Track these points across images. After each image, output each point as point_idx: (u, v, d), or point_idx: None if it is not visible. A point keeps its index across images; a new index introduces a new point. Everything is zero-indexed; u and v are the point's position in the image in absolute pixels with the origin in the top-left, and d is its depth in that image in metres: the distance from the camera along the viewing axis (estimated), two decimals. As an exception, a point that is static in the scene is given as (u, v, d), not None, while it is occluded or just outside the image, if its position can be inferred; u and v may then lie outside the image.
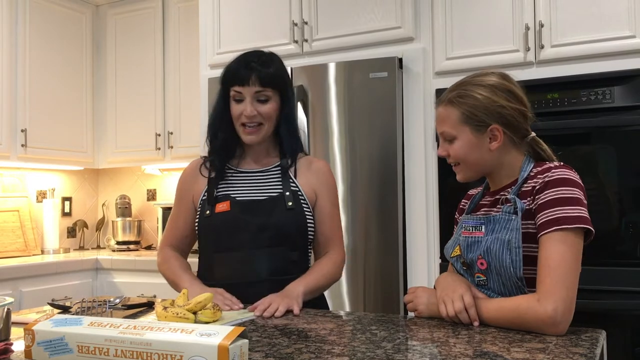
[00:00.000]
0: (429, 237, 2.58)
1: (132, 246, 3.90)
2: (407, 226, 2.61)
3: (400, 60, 2.65)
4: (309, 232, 1.70)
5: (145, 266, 3.30)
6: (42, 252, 3.68)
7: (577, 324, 1.22)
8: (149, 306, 1.59)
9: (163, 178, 4.12)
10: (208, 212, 1.67)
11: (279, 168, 1.73)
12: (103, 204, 4.24)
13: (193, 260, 1.79)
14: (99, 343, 0.96)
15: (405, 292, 2.52)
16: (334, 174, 2.29)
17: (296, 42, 2.89)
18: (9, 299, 1.19)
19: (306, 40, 2.86)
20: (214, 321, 1.32)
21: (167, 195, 4.06)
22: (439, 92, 1.87)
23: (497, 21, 2.51)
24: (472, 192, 1.56)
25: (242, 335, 0.92)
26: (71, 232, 4.10)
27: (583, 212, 1.24)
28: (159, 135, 3.70)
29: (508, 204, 1.33)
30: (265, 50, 1.73)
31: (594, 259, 2.17)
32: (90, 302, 1.62)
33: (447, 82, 1.46)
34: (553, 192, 1.26)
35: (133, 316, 1.49)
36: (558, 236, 1.22)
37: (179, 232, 1.78)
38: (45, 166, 3.76)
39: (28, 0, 3.50)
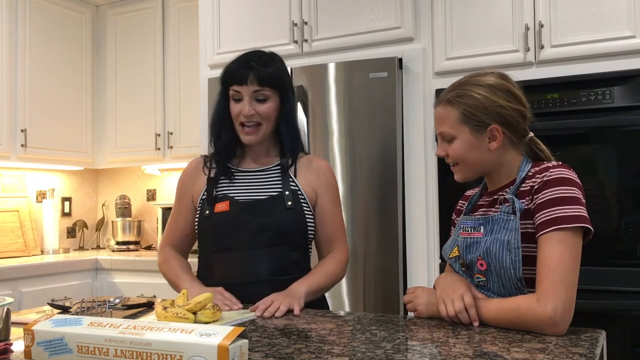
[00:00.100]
0: (428, 237, 2.58)
1: (131, 246, 3.90)
2: (407, 226, 2.61)
3: (400, 60, 2.65)
4: (309, 232, 1.70)
5: (145, 266, 3.30)
6: (42, 252, 3.68)
7: (576, 324, 1.22)
8: (148, 306, 1.59)
9: (163, 178, 4.12)
10: (207, 212, 1.67)
11: (278, 167, 1.73)
12: (103, 204, 4.24)
13: (193, 260, 1.79)
14: (99, 343, 0.96)
15: (405, 292, 2.52)
16: (334, 174, 2.29)
17: (296, 42, 2.89)
18: (9, 299, 1.19)
19: (306, 41, 2.86)
20: (213, 321, 1.32)
21: (167, 196, 4.06)
22: (439, 92, 1.87)
23: (497, 21, 2.51)
24: (469, 192, 1.56)
25: (242, 335, 0.92)
26: (71, 233, 4.10)
27: (582, 211, 1.24)
28: (159, 135, 3.70)
29: (506, 204, 1.33)
30: (267, 50, 1.73)
31: (593, 259, 2.17)
32: (90, 302, 1.62)
33: (447, 82, 1.46)
34: (551, 191, 1.26)
35: (133, 316, 1.49)
36: (557, 236, 1.22)
37: (179, 231, 1.78)
38: (45, 166, 3.76)
39: (28, 1, 3.50)
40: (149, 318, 1.46)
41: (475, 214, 1.44)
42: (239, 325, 1.27)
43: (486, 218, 1.36)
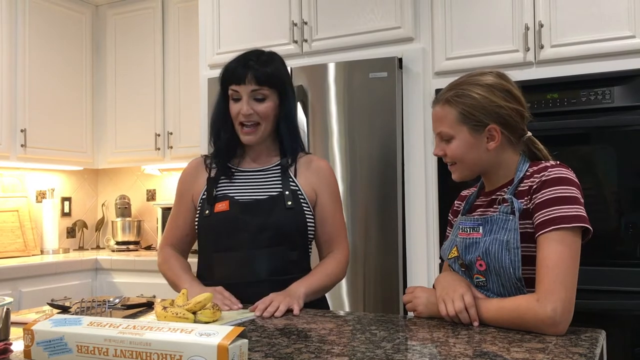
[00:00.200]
0: (428, 237, 2.58)
1: (131, 246, 3.90)
2: (407, 226, 2.61)
3: (400, 60, 2.65)
4: (309, 232, 1.70)
5: (145, 266, 3.30)
6: (42, 252, 3.68)
7: (576, 324, 1.22)
8: (148, 306, 1.59)
9: (163, 178, 4.11)
10: (207, 211, 1.67)
11: (278, 167, 1.72)
12: (103, 204, 4.24)
13: (193, 260, 1.79)
14: (99, 343, 0.96)
15: (405, 292, 2.52)
16: (334, 174, 2.29)
17: (296, 42, 2.89)
18: (9, 299, 1.19)
19: (306, 41, 2.86)
20: (213, 321, 1.32)
21: (167, 196, 4.06)
22: (439, 92, 1.87)
23: (496, 21, 2.51)
24: (465, 192, 1.55)
25: (241, 335, 0.92)
26: (71, 233, 4.10)
27: (580, 210, 1.24)
28: (159, 135, 3.70)
29: (505, 204, 1.32)
30: (267, 50, 1.73)
31: (593, 259, 2.17)
32: (89, 302, 1.62)
33: (447, 82, 1.46)
34: (550, 191, 1.26)
35: (132, 316, 1.49)
36: (556, 236, 1.22)
37: (179, 231, 1.78)
38: (44, 166, 3.76)
39: (28, 1, 3.50)
40: (149, 318, 1.46)
41: (474, 214, 1.43)
42: (239, 325, 1.27)
43: (485, 218, 1.36)
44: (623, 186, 2.24)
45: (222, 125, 1.72)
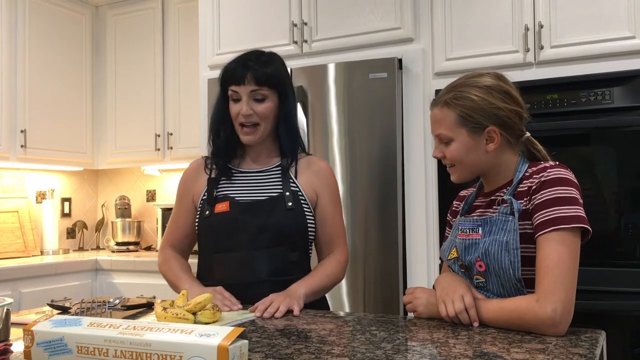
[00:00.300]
0: (428, 238, 2.58)
1: (131, 247, 3.90)
2: (407, 226, 2.61)
3: (400, 61, 2.65)
4: (309, 233, 1.70)
5: (145, 267, 3.30)
6: (42, 253, 3.68)
7: (576, 325, 1.22)
8: (148, 307, 1.59)
9: (162, 179, 4.12)
10: (207, 212, 1.67)
11: (279, 168, 1.72)
12: (102, 205, 4.24)
13: (193, 261, 1.79)
14: (99, 343, 0.96)
15: (405, 293, 2.52)
16: (334, 175, 2.29)
17: (296, 42, 2.89)
18: (9, 300, 1.19)
19: (306, 41, 2.86)
20: (213, 322, 1.32)
21: (167, 196, 4.06)
22: (439, 92, 1.87)
23: (496, 22, 2.51)
24: (463, 193, 1.55)
25: (241, 336, 0.92)
26: (71, 233, 4.10)
27: (580, 211, 1.24)
28: (159, 136, 3.70)
29: (504, 205, 1.32)
30: (267, 50, 1.73)
31: (593, 260, 2.17)
32: (89, 302, 1.62)
33: (447, 83, 1.46)
34: (549, 192, 1.26)
35: (132, 317, 1.49)
36: (555, 236, 1.22)
37: (179, 232, 1.78)
38: (44, 167, 3.77)
39: (28, 1, 3.50)
40: (149, 319, 1.46)
41: (473, 215, 1.43)
42: (239, 325, 1.27)
43: (484, 219, 1.36)
44: (623, 187, 2.24)
45: (221, 125, 1.72)
